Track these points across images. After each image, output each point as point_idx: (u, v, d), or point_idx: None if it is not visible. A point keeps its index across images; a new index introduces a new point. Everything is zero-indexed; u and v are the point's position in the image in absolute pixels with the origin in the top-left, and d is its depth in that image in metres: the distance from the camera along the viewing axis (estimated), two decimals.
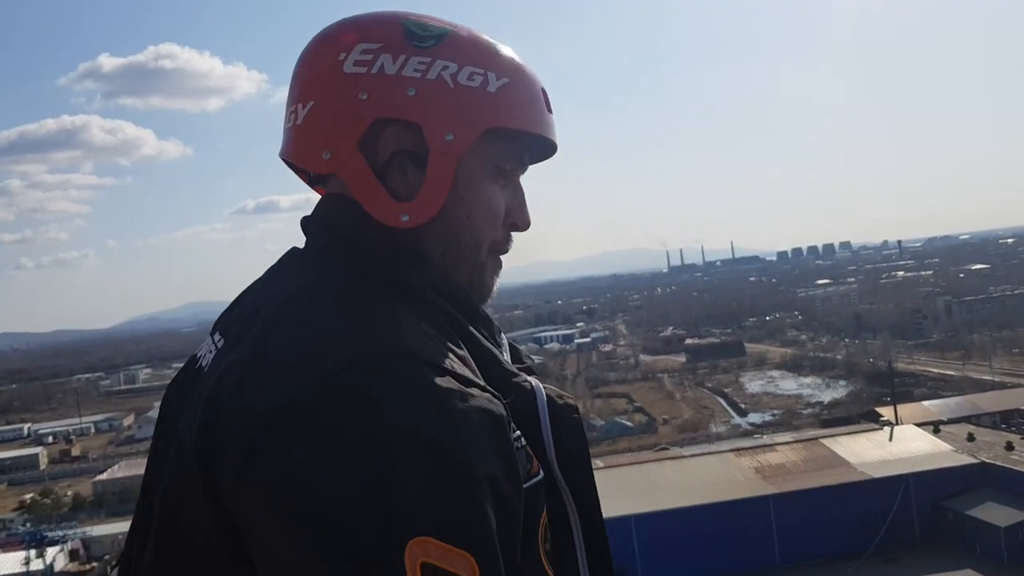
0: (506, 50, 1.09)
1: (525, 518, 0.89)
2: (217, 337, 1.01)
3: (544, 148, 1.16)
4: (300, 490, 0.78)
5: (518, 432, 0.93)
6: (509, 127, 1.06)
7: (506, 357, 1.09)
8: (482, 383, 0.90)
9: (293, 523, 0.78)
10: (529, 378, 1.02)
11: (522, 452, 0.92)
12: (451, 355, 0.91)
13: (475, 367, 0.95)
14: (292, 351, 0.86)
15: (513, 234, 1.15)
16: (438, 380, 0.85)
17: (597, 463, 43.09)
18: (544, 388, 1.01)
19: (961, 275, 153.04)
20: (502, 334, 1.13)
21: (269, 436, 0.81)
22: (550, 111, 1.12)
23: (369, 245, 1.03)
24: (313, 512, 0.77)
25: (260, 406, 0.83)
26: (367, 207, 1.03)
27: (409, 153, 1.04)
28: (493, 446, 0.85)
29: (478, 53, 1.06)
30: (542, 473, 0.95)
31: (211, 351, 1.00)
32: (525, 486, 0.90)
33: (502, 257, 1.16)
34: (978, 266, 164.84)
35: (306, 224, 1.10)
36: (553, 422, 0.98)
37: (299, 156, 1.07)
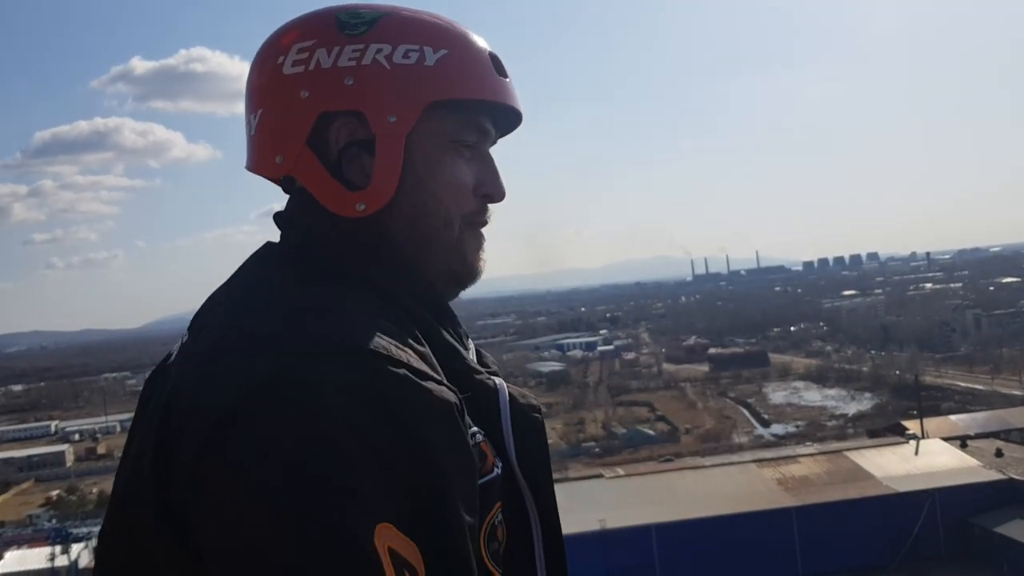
0: (445, 22, 1.08)
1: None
2: (186, 335, 1.02)
3: (508, 115, 1.15)
4: (252, 493, 0.78)
5: (475, 428, 0.94)
6: (452, 98, 1.05)
7: (472, 357, 1.09)
8: (436, 376, 0.90)
9: (246, 525, 0.78)
10: (493, 377, 1.03)
11: (476, 448, 0.92)
12: (406, 349, 0.90)
13: (435, 363, 0.95)
14: (243, 348, 0.87)
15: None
16: (388, 371, 0.85)
17: (618, 471, 42.96)
18: (507, 387, 1.03)
19: (991, 288, 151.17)
20: (469, 338, 1.13)
21: (221, 433, 0.81)
22: (504, 76, 1.10)
23: (329, 239, 1.04)
24: (268, 511, 0.77)
25: (213, 403, 0.83)
26: (324, 203, 1.03)
27: (361, 142, 1.03)
28: (445, 437, 0.85)
29: (413, 30, 1.05)
30: (497, 471, 0.96)
31: (179, 349, 1.02)
32: (479, 483, 0.91)
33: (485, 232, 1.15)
34: (1009, 279, 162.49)
35: (276, 219, 1.11)
36: (514, 420, 1.00)
37: (256, 165, 1.08)
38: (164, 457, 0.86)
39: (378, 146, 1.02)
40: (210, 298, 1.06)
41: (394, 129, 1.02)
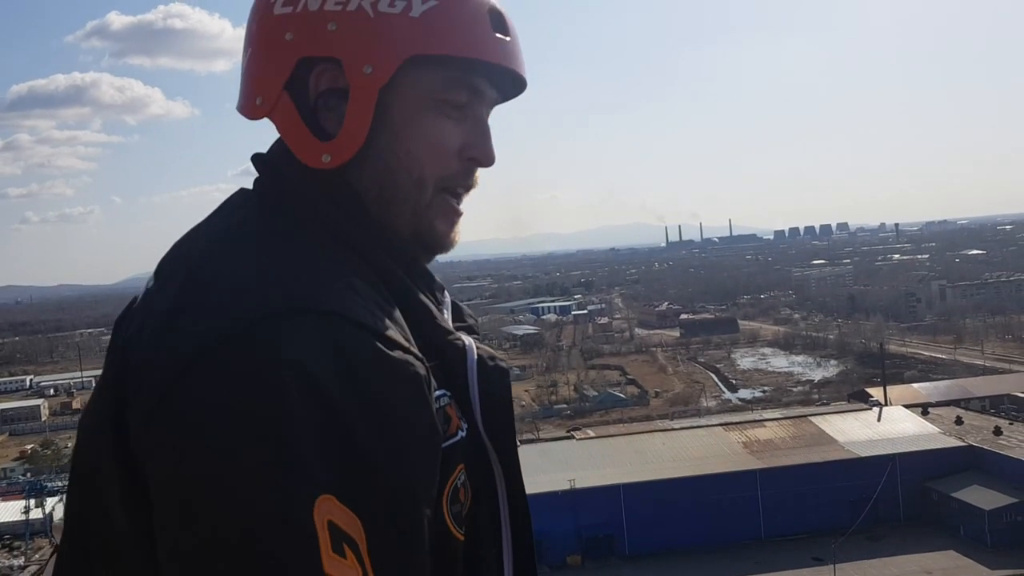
0: None
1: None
2: (152, 279, 0.99)
3: (509, 78, 1.07)
4: (204, 443, 0.76)
5: (440, 391, 0.93)
6: (434, 53, 0.98)
7: (447, 315, 1.07)
8: (406, 344, 0.87)
9: (194, 475, 0.76)
10: (463, 337, 1.01)
11: (440, 412, 0.91)
12: (377, 312, 0.88)
13: (405, 325, 0.92)
14: (208, 300, 0.84)
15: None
16: (356, 336, 0.83)
17: (588, 432, 43.73)
18: (477, 348, 1.00)
19: (957, 260, 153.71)
20: (445, 292, 1.10)
21: (178, 383, 0.79)
22: (504, 34, 1.02)
23: (301, 189, 1.00)
24: (217, 465, 0.75)
25: (172, 353, 0.81)
26: (294, 150, 1.00)
27: (342, 92, 0.99)
28: (407, 409, 0.84)
29: None
30: (461, 434, 0.94)
31: (146, 291, 0.99)
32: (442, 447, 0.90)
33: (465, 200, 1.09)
34: (974, 251, 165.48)
35: (254, 160, 1.07)
36: (481, 382, 0.98)
37: (241, 105, 1.05)
38: (121, 401, 0.85)
39: (351, 97, 0.98)
40: (177, 244, 1.02)
41: (368, 81, 0.97)
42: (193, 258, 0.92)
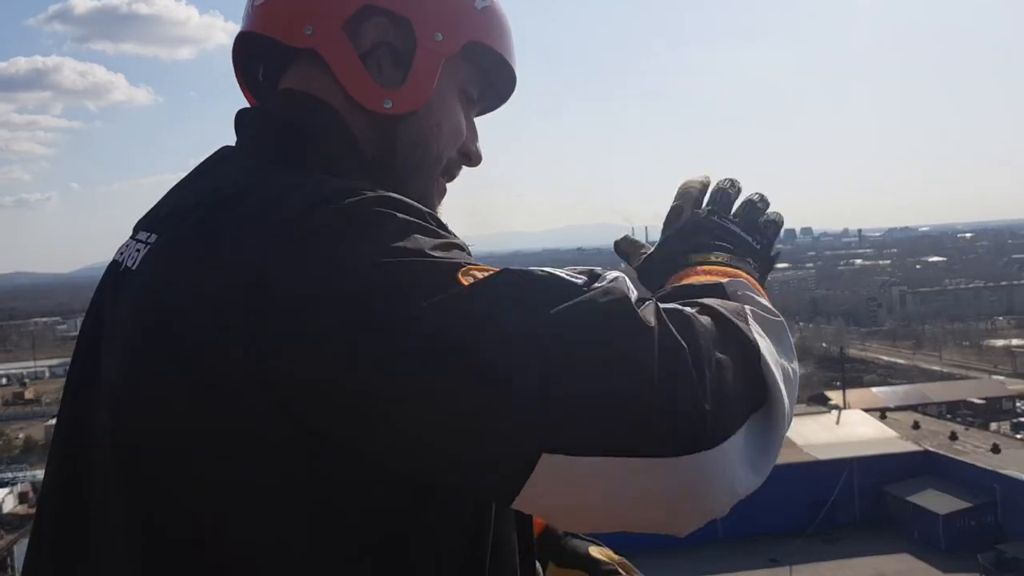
0: None
1: None
2: (145, 235, 0.95)
3: (497, 93, 1.18)
4: (316, 299, 0.77)
5: None
6: (490, 46, 1.07)
7: None
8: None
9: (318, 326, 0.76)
10: None
11: None
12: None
13: None
14: (266, 203, 0.84)
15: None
16: (420, 213, 0.86)
17: None
18: None
19: (918, 266, 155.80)
20: None
21: (274, 264, 0.79)
22: None
23: (335, 144, 1.00)
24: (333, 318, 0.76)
25: (252, 243, 0.80)
26: (350, 89, 1.01)
27: (390, 47, 1.02)
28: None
29: None
30: None
31: (138, 249, 0.94)
32: None
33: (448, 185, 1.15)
34: (935, 259, 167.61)
35: (255, 117, 1.06)
36: None
37: (275, 27, 1.03)
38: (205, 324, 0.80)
39: (419, 56, 1.02)
40: (163, 204, 1.01)
41: (438, 47, 1.02)
42: (227, 190, 0.89)
